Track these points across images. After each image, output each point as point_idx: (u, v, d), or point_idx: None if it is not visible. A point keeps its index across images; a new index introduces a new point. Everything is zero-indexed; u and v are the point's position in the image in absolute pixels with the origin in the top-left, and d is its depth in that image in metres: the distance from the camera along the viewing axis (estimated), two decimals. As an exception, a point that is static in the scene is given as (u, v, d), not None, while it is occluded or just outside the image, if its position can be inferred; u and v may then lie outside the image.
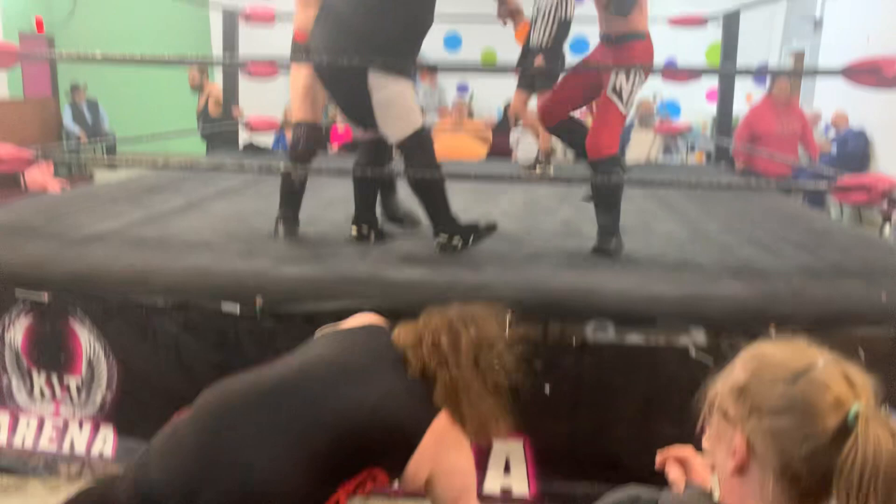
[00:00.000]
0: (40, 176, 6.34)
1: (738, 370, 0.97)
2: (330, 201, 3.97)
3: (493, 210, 3.97)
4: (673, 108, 11.33)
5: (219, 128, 6.39)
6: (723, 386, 0.98)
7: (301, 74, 3.14)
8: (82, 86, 10.72)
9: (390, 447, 1.47)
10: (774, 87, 5.41)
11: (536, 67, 4.74)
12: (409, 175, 2.87)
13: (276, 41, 8.79)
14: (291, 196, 3.23)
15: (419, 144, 2.84)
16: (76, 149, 7.72)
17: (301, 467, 1.38)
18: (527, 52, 5.19)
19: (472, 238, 2.92)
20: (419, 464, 1.49)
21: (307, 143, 3.19)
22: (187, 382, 2.35)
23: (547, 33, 4.86)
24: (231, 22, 5.89)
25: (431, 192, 2.90)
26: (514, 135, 7.44)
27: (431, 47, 11.52)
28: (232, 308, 2.42)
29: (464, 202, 4.19)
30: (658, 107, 9.49)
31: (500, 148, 8.07)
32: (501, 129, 8.67)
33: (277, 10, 5.64)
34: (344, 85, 2.84)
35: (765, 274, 2.70)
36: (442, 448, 1.51)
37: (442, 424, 1.51)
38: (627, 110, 2.95)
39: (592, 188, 3.12)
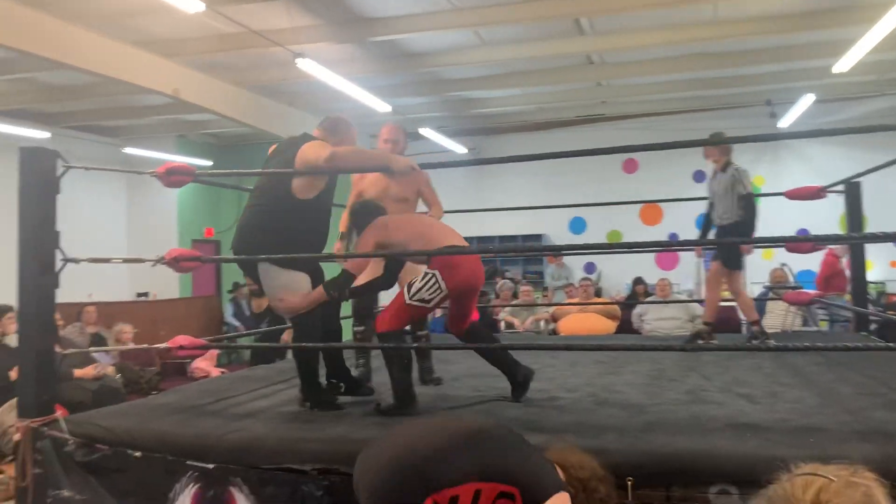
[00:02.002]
0: (204, 364, 7.06)
1: None
2: (456, 376, 4.24)
3: (616, 381, 4.08)
4: (810, 278, 11.07)
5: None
6: None
7: None
8: (243, 284, 11.89)
9: None
10: None
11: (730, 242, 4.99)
12: (293, 342, 3.57)
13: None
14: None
15: (301, 322, 3.49)
16: (236, 340, 8.50)
17: None
18: (707, 229, 5.44)
19: (321, 405, 3.41)
20: None
21: None
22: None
23: (731, 209, 5.13)
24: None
25: (303, 360, 3.51)
26: (638, 310, 7.54)
27: (557, 231, 12.08)
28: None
29: (587, 374, 4.35)
30: (794, 277, 9.33)
31: (629, 324, 8.14)
32: (630, 305, 8.78)
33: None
34: (250, 273, 3.60)
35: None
36: None
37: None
38: (413, 301, 3.35)
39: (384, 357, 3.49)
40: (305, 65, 6.98)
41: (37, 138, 9.11)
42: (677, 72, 9.43)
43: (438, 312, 8.96)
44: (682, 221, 11.45)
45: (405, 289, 3.39)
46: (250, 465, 2.85)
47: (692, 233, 11.32)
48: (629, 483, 2.43)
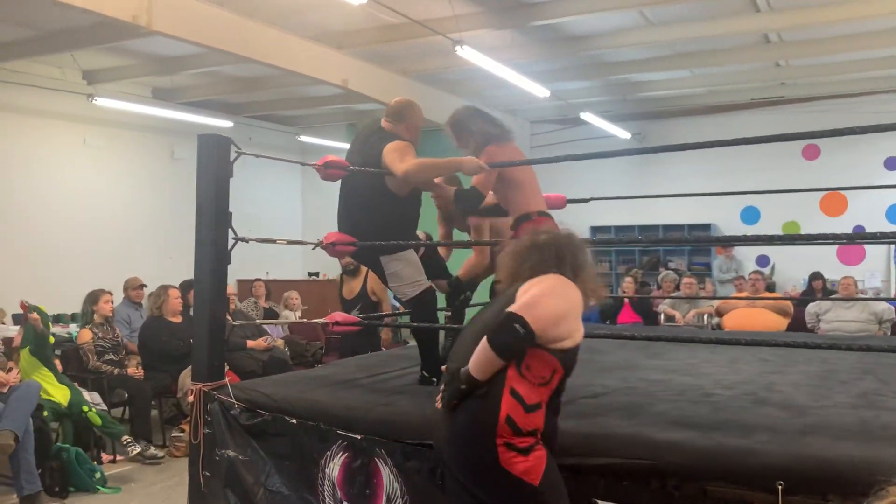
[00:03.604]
0: (364, 341, 7.39)
1: None
2: (604, 367, 4.16)
3: (780, 380, 3.82)
4: None
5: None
6: None
7: None
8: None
9: None
10: None
11: None
12: (412, 323, 3.75)
13: (568, 224, 9.47)
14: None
15: (421, 303, 3.68)
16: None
17: None
18: None
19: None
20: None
21: None
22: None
23: None
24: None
25: (425, 338, 3.72)
26: (814, 308, 7.01)
27: (728, 220, 11.46)
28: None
29: (748, 372, 4.10)
30: None
31: (803, 323, 7.59)
32: (805, 301, 8.18)
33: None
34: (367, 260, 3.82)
35: None
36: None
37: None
38: None
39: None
40: (465, 52, 7.07)
41: (222, 127, 9.89)
42: (865, 49, 8.62)
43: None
44: (870, 212, 10.49)
45: None
46: (394, 439, 2.96)
47: (881, 225, 10.34)
48: (779, 487, 2.28)
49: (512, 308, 2.25)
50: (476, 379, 2.24)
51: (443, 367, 2.35)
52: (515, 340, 2.21)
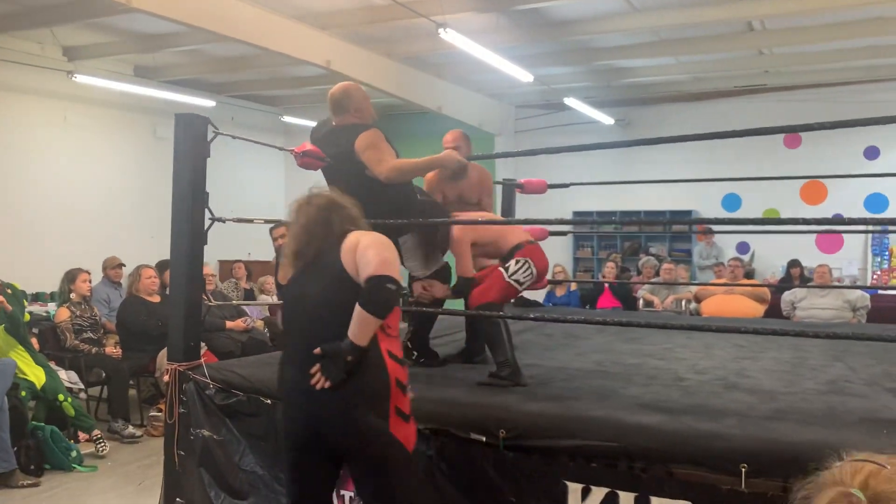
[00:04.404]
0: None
1: None
2: (581, 350, 4.20)
3: (751, 366, 3.88)
4: None
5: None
6: None
7: None
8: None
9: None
10: None
11: None
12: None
13: (550, 209, 9.51)
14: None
15: (438, 279, 3.70)
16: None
17: None
18: None
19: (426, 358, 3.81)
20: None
21: None
22: (439, 500, 2.68)
23: None
24: (510, 192, 6.56)
25: (419, 321, 3.87)
26: (789, 296, 7.08)
27: (709, 207, 11.51)
28: (479, 437, 2.71)
29: (721, 357, 4.16)
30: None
31: (780, 310, 7.68)
32: (781, 288, 8.26)
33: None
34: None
35: None
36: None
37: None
38: (510, 280, 3.48)
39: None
40: (449, 35, 7.04)
41: (204, 106, 9.80)
42: (848, 39, 8.65)
43: (574, 286, 8.88)
44: (849, 201, 10.59)
45: (502, 269, 3.52)
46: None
47: (860, 214, 10.44)
48: (742, 470, 2.33)
49: (374, 271, 2.33)
50: (362, 346, 2.33)
51: (316, 350, 2.36)
52: (393, 297, 2.37)
